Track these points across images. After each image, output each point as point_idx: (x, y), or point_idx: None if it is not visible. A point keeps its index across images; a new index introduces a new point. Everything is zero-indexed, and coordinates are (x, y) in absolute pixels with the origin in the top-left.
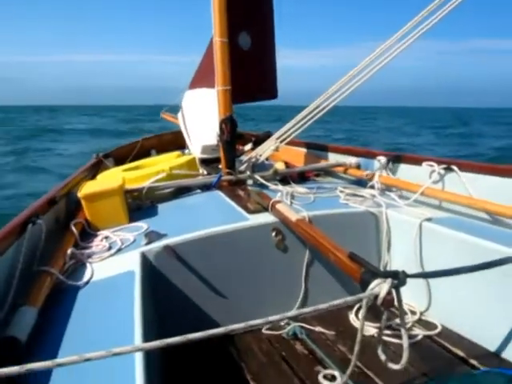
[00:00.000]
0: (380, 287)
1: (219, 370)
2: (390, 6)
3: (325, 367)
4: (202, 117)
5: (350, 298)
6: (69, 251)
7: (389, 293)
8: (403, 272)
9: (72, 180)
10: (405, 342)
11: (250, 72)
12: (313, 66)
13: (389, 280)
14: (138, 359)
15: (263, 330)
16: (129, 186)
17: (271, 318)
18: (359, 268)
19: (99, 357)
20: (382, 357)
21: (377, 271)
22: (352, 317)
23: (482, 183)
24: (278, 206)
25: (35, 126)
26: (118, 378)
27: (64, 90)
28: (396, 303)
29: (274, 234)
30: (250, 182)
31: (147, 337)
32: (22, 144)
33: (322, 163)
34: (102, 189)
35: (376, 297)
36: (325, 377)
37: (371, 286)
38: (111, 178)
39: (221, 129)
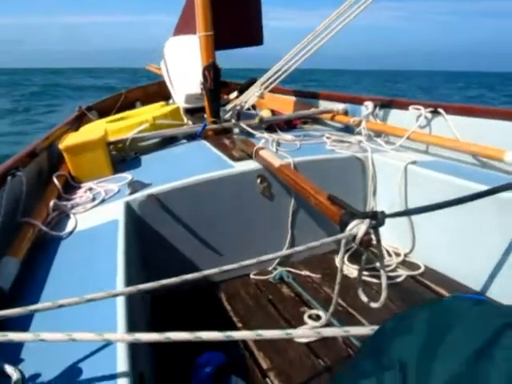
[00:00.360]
0: (358, 227)
1: (206, 314)
2: None
3: (310, 308)
4: (184, 65)
5: (327, 239)
6: (51, 203)
7: (367, 233)
8: (382, 212)
9: (54, 132)
10: (383, 281)
11: (233, 17)
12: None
13: (367, 220)
14: (120, 303)
15: (251, 276)
16: (112, 138)
17: (262, 258)
18: (339, 210)
19: (73, 303)
20: (362, 296)
21: (355, 212)
22: (338, 260)
23: (468, 126)
24: (262, 153)
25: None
26: (99, 322)
27: (65, 52)
28: (375, 243)
29: (259, 180)
30: (236, 130)
31: (131, 283)
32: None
33: (309, 110)
34: (84, 140)
35: (354, 237)
36: (310, 316)
37: (349, 226)
38: (94, 129)
39: (204, 76)
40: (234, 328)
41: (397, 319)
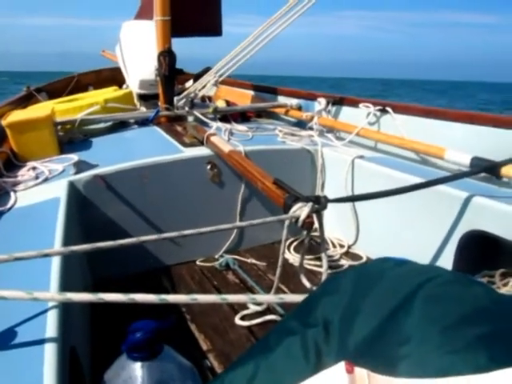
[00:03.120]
0: (301, 210)
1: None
2: None
3: (254, 293)
4: (140, 50)
5: (270, 218)
6: None
7: (309, 216)
8: (324, 197)
9: None
10: (324, 264)
11: (191, 5)
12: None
13: (310, 204)
14: (55, 265)
15: (197, 262)
16: (60, 118)
17: (202, 230)
18: (283, 193)
19: (1, 260)
20: (304, 281)
21: (299, 195)
22: (281, 246)
23: (413, 125)
24: (213, 139)
25: None
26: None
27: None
28: (317, 226)
29: (208, 167)
30: (190, 119)
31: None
32: None
33: (263, 103)
34: (29, 117)
35: (297, 220)
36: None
37: (293, 209)
38: (41, 108)
39: (159, 62)
40: (178, 312)
41: (325, 282)
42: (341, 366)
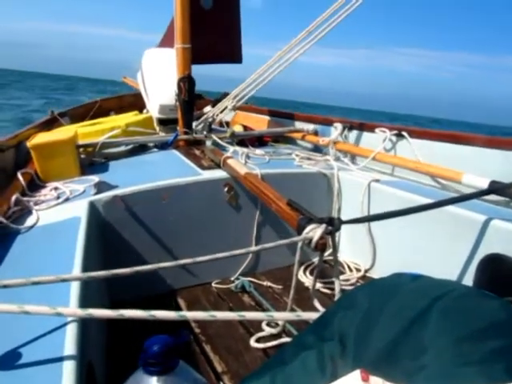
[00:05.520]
0: (314, 231)
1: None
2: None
3: None
4: (160, 76)
5: (283, 241)
6: (13, 197)
7: (322, 237)
8: (338, 218)
9: (23, 132)
10: (337, 287)
11: (211, 32)
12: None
13: (323, 225)
14: (74, 289)
15: (213, 284)
16: (82, 141)
17: (217, 255)
18: (297, 215)
19: (19, 284)
20: (316, 304)
21: (312, 217)
22: (300, 273)
23: (430, 149)
24: (230, 161)
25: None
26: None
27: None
28: (331, 248)
29: (226, 189)
30: (208, 143)
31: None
32: None
33: (280, 128)
34: (53, 139)
35: (310, 241)
36: (268, 324)
37: (306, 230)
38: (64, 131)
39: (179, 88)
40: (194, 336)
41: (341, 297)
42: (356, 373)
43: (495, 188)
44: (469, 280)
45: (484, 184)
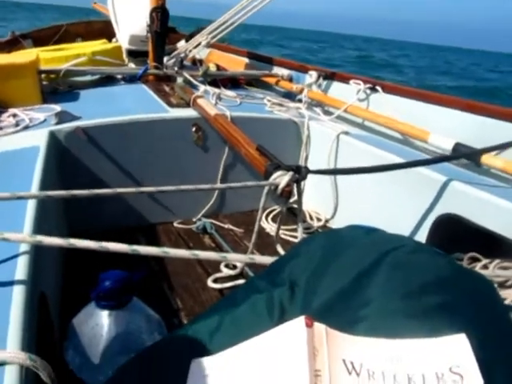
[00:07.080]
0: (281, 178)
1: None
2: None
3: None
4: (132, 4)
5: (249, 183)
6: None
7: (288, 185)
8: (305, 167)
9: None
10: (299, 235)
11: None
12: None
13: (290, 173)
14: (30, 208)
15: (174, 224)
16: (45, 67)
17: (181, 187)
18: (265, 161)
19: None
20: (279, 249)
21: (280, 164)
22: (263, 220)
23: (401, 106)
24: (200, 101)
25: None
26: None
27: None
28: (296, 195)
29: (194, 129)
30: (179, 80)
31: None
32: None
33: (254, 71)
34: (12, 62)
35: (276, 187)
36: (226, 266)
37: (273, 176)
38: (25, 54)
39: (151, 18)
40: (152, 271)
41: (295, 245)
42: (300, 319)
43: (467, 153)
44: (423, 237)
45: (449, 145)
